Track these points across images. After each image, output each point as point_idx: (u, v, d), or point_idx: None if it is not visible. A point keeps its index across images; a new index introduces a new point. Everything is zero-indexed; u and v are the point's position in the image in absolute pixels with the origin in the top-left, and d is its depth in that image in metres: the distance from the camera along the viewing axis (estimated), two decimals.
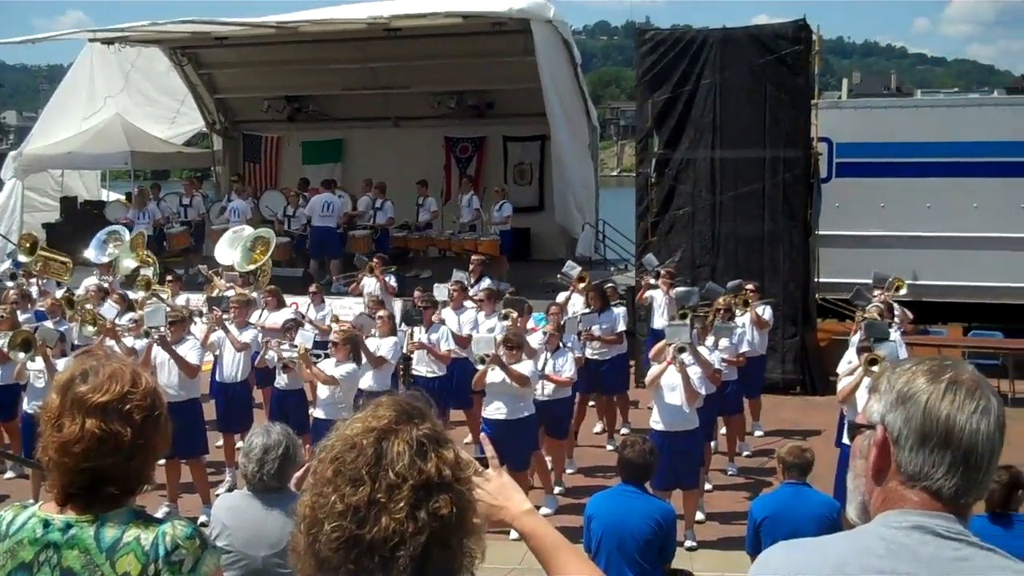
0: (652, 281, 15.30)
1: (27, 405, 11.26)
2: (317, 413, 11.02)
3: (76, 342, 12.65)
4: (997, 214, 17.58)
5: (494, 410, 10.72)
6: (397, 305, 15.45)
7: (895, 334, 12.24)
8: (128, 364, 2.88)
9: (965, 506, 2.07)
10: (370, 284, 16.28)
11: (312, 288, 15.62)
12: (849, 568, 2.03)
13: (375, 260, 16.71)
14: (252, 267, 17.37)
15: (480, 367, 10.78)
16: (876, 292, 14.32)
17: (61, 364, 10.25)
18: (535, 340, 11.88)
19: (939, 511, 2.04)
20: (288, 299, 15.19)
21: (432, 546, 2.02)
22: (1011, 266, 17.42)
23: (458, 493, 2.08)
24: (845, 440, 9.73)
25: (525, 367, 10.70)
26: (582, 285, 14.59)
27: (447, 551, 2.05)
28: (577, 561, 2.40)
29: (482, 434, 10.42)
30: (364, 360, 11.44)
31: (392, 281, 16.52)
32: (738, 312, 13.45)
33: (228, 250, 18.57)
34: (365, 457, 2.05)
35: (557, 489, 11.77)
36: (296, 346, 11.46)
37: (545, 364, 11.49)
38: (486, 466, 2.45)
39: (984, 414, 2.04)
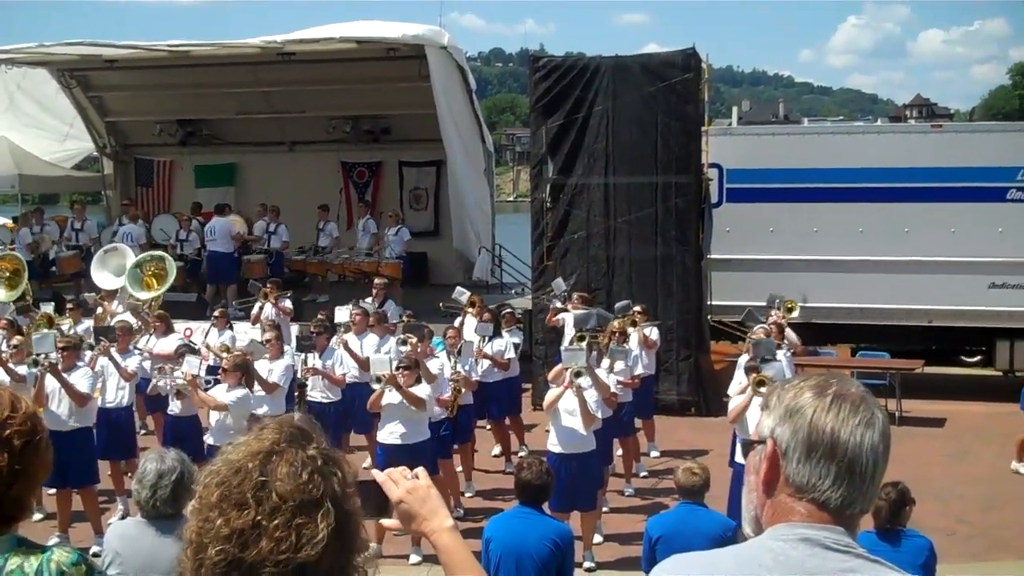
0: (558, 304, 15.41)
1: None
2: (209, 439, 10.85)
3: None
4: (882, 238, 18.03)
5: (388, 434, 10.64)
6: (294, 329, 15.28)
7: (782, 355, 12.50)
8: (6, 388, 2.81)
9: (851, 517, 2.09)
10: (268, 310, 16.10)
11: (216, 312, 15.33)
12: None
13: (268, 285, 16.53)
14: (149, 295, 16.98)
15: (376, 387, 10.71)
16: (773, 313, 14.61)
17: None
18: (435, 365, 11.86)
19: (826, 523, 2.07)
20: (183, 324, 14.93)
21: (308, 567, 2.00)
22: (896, 288, 17.87)
23: (344, 513, 2.06)
24: (738, 459, 9.89)
25: (421, 390, 10.68)
26: (473, 310, 14.61)
27: (324, 571, 2.03)
28: None
29: (373, 470, 10.28)
30: (256, 386, 11.31)
31: (288, 304, 16.34)
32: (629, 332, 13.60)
33: (104, 274, 18.21)
34: (251, 481, 2.03)
35: (456, 512, 11.74)
36: (184, 374, 11.29)
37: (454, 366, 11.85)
38: (384, 511, 2.45)
39: (868, 426, 2.09)
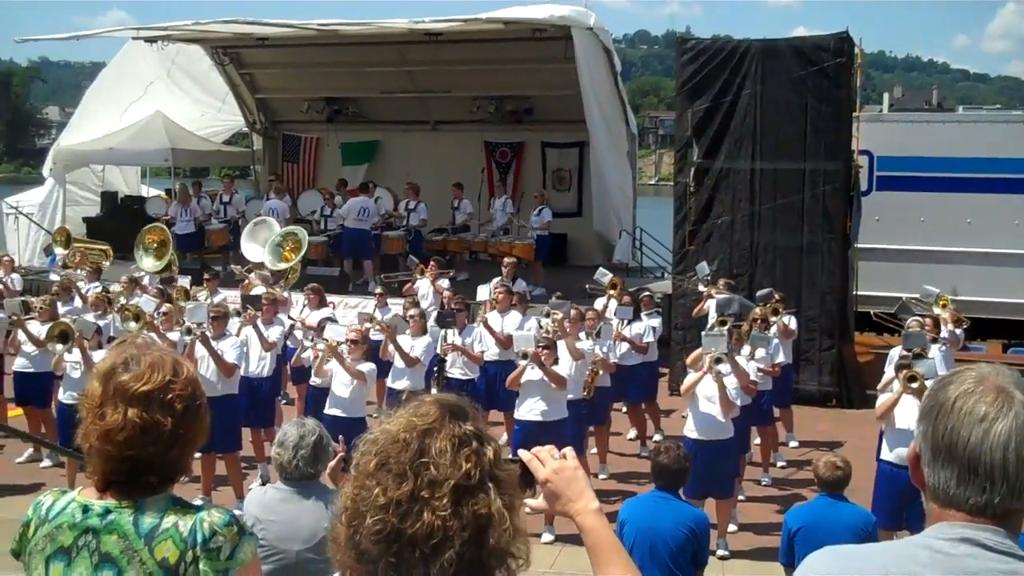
0: (702, 288, 15.35)
1: (63, 395, 11.37)
2: (331, 411, 10.93)
3: (114, 335, 12.75)
4: None
5: (527, 411, 10.68)
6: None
7: (936, 349, 12.11)
8: (169, 353, 2.89)
9: (999, 517, 2.01)
10: (423, 286, 16.31)
11: (378, 290, 15.62)
12: None
13: (431, 263, 16.75)
14: (283, 266, 17.47)
15: (521, 363, 10.75)
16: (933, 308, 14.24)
17: (97, 356, 10.32)
18: (585, 345, 11.84)
19: (986, 524, 2.00)
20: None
21: (471, 545, 2.03)
22: None
23: (498, 493, 2.08)
24: (884, 456, 9.63)
25: (563, 368, 10.66)
26: (614, 291, 14.56)
27: (485, 550, 2.05)
28: (626, 567, 2.39)
29: (520, 449, 10.29)
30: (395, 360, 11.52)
31: (445, 284, 16.50)
32: (772, 321, 13.38)
33: (253, 246, 18.74)
34: (409, 452, 2.06)
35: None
36: (327, 340, 11.44)
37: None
38: (530, 483, 2.44)
39: (996, 420, 1.99)
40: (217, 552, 2.75)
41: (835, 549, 2.20)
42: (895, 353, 11.40)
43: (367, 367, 10.83)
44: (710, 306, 14.73)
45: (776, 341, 12.96)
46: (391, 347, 12.02)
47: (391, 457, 2.07)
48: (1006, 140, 18.07)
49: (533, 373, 10.57)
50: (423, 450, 2.06)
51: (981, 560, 1.97)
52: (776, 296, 14.19)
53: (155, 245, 19.63)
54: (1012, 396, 2.02)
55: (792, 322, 14.19)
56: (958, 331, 14.11)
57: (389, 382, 12.18)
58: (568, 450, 2.51)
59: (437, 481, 2.03)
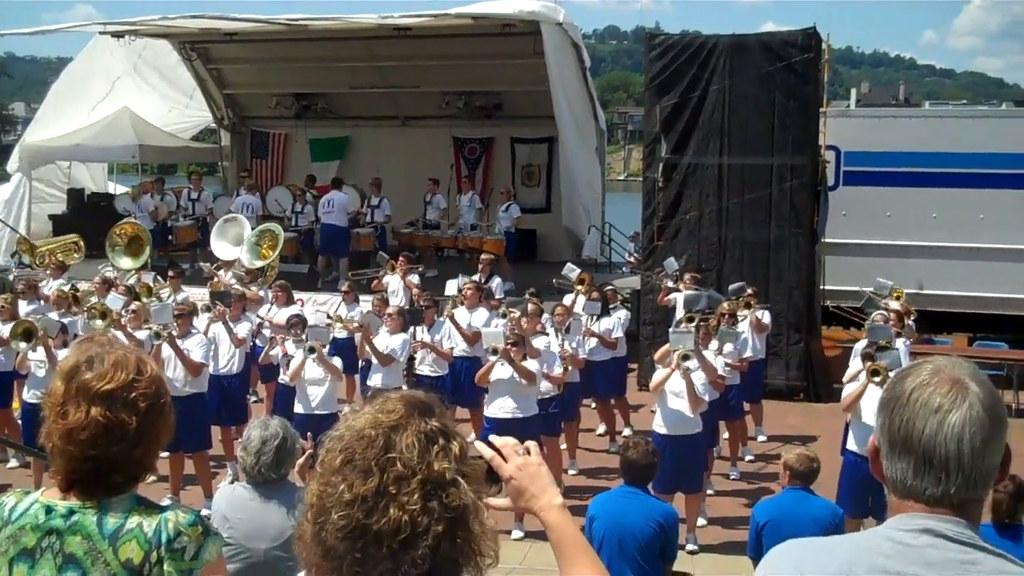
0: (670, 284, 15.32)
1: (27, 394, 11.30)
2: (300, 409, 10.90)
3: (80, 333, 12.65)
4: (1002, 225, 17.65)
5: (497, 408, 10.70)
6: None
7: (901, 343, 12.22)
8: (132, 351, 2.87)
9: (956, 508, 2.03)
10: (393, 282, 16.27)
11: (344, 287, 15.58)
12: (856, 568, 2.03)
13: (400, 259, 16.71)
14: (262, 263, 17.43)
15: (491, 359, 10.74)
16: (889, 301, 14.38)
17: (62, 355, 10.25)
18: (541, 342, 11.85)
19: (946, 514, 2.02)
20: (295, 295, 15.19)
21: (445, 539, 2.03)
22: (1015, 276, 17.48)
23: (466, 487, 2.08)
24: (850, 447, 9.73)
25: (532, 364, 10.70)
26: (583, 287, 14.58)
27: (454, 544, 2.05)
28: (591, 564, 2.38)
29: (478, 441, 10.27)
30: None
31: (415, 279, 16.47)
32: (740, 316, 13.44)
33: (222, 243, 18.65)
34: (375, 448, 2.06)
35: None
36: (304, 341, 11.39)
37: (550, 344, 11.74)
38: (495, 480, 2.43)
39: (950, 412, 2.02)
40: (181, 552, 2.74)
41: (798, 542, 2.22)
42: (859, 347, 11.50)
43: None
44: (677, 299, 14.80)
45: (744, 336, 13.03)
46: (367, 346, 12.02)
47: (357, 453, 2.06)
48: (972, 135, 18.20)
49: (503, 370, 10.58)
50: (389, 446, 2.06)
51: (942, 551, 1.99)
52: (749, 291, 14.26)
53: (126, 240, 19.48)
54: (967, 387, 2.04)
55: (765, 316, 14.26)
56: (911, 323, 14.25)
57: (368, 380, 12.18)
58: (531, 444, 2.49)
59: (404, 476, 2.03)
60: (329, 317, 13.64)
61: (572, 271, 15.32)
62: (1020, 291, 17.47)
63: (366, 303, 14.48)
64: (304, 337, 11.39)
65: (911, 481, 2.04)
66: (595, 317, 13.79)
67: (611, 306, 14.27)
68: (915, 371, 2.11)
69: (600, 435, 14.08)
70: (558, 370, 11.61)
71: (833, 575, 2.05)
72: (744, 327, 13.38)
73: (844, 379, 10.68)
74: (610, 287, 15.16)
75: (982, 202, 17.80)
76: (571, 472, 12.52)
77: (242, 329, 12.72)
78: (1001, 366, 16.45)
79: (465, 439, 2.18)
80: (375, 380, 11.72)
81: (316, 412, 10.65)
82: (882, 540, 2.05)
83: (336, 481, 2.06)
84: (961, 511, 2.03)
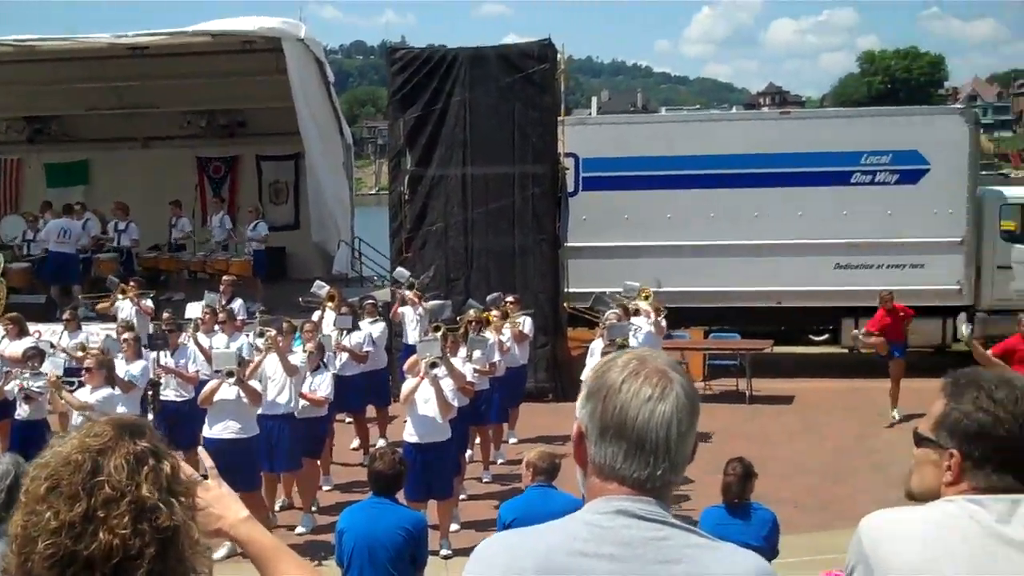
0: (408, 294, 15.44)
1: None
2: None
3: None
4: (732, 222, 18.52)
5: (221, 429, 10.51)
6: (150, 328, 15.00)
7: (632, 337, 12.74)
8: None
9: (659, 490, 2.17)
10: (125, 308, 15.74)
11: (66, 315, 14.97)
12: (557, 554, 2.13)
13: (131, 283, 16.18)
14: None
15: (229, 382, 10.48)
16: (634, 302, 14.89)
17: None
18: (296, 359, 11.77)
19: (639, 496, 2.15)
20: (31, 327, 14.52)
21: (158, 561, 1.99)
22: (746, 271, 18.38)
23: (178, 507, 2.06)
24: None
25: (256, 385, 10.68)
26: (332, 304, 14.56)
27: (167, 565, 2.03)
28: (295, 565, 2.41)
29: (200, 448, 10.11)
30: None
31: (149, 304, 15.99)
32: (504, 326, 13.72)
33: None
34: (82, 473, 1.99)
35: (312, 508, 11.74)
36: (44, 374, 10.98)
37: (303, 383, 11.54)
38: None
39: (660, 400, 2.15)
40: None
41: (503, 535, 2.33)
42: (596, 346, 11.94)
43: (105, 392, 10.44)
44: (405, 313, 14.98)
45: (491, 341, 13.21)
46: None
47: (63, 479, 1.99)
48: (704, 138, 19.04)
49: (228, 391, 10.44)
50: (97, 469, 2.00)
51: (635, 529, 2.12)
52: (508, 299, 14.50)
53: None
54: (672, 379, 2.18)
55: (526, 325, 14.54)
56: (661, 320, 14.88)
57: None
58: (209, 469, 2.51)
59: (113, 499, 1.98)
60: (52, 347, 13.08)
61: (321, 288, 15.24)
62: (750, 284, 18.34)
63: (102, 330, 14.02)
64: (41, 370, 10.95)
65: (620, 464, 2.15)
66: (346, 331, 13.80)
67: (370, 320, 14.33)
68: (621, 362, 2.23)
69: (354, 449, 14.06)
70: (323, 392, 11.69)
71: (533, 562, 2.14)
72: (506, 335, 13.68)
73: (581, 377, 11.06)
74: (371, 300, 15.22)
75: (712, 201, 18.60)
76: (325, 488, 12.58)
77: None
78: (735, 356, 17.40)
79: (176, 458, 2.13)
80: (118, 408, 11.30)
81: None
82: (580, 524, 2.17)
83: (41, 509, 1.98)
84: (657, 493, 2.17)
